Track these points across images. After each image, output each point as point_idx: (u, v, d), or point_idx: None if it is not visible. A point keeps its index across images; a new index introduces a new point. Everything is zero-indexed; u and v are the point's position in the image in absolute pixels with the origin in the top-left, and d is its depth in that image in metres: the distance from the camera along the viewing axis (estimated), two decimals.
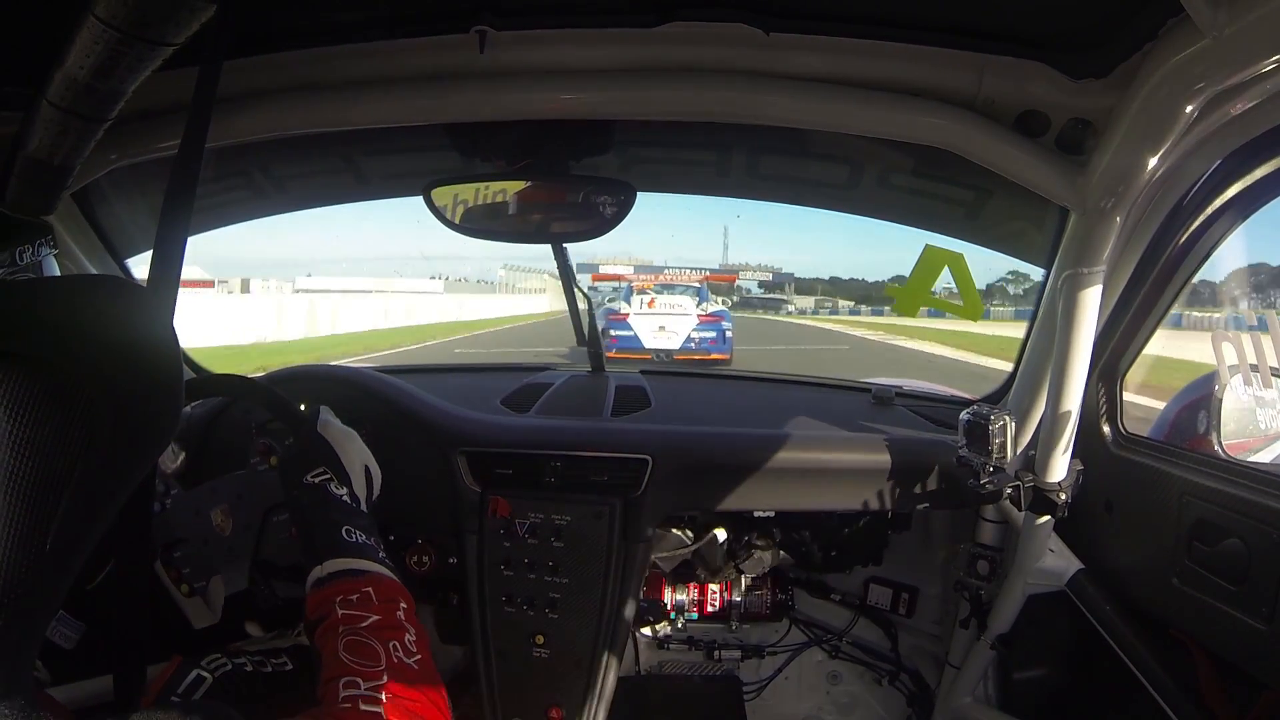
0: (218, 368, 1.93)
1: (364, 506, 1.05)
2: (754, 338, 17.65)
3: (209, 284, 18.78)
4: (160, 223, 0.82)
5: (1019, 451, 1.35)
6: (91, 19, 0.69)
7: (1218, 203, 1.09)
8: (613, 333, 11.48)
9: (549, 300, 31.24)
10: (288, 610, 1.21)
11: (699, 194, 1.78)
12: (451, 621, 1.66)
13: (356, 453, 1.11)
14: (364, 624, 0.83)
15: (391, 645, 0.81)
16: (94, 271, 1.47)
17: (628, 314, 12.40)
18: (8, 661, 0.49)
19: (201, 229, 1.69)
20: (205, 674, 1.05)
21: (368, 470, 1.13)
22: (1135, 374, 1.31)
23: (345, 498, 1.02)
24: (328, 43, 1.12)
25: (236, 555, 1.16)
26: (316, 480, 1.02)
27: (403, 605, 0.89)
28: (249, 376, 1.17)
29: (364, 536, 0.95)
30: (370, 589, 0.88)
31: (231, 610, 1.18)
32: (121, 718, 0.56)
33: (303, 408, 1.19)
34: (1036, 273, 1.40)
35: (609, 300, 13.95)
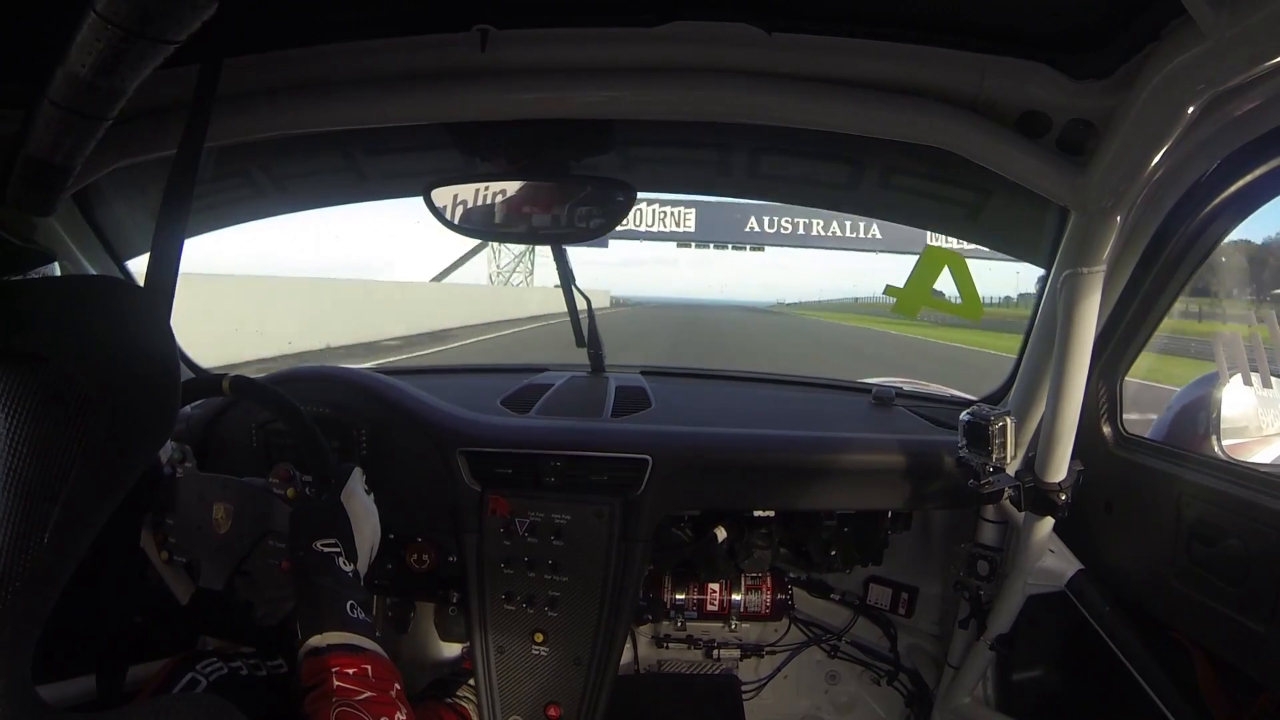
0: None
1: (361, 582, 1.07)
2: None
3: None
4: (158, 223, 0.83)
5: (1019, 452, 1.35)
6: (93, 16, 0.68)
7: (1217, 203, 1.09)
8: None
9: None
10: (252, 630, 1.21)
11: (700, 194, 1.79)
12: (451, 619, 1.66)
13: (370, 532, 1.13)
14: (358, 698, 0.85)
15: None
16: (93, 272, 1.47)
17: None
18: (5, 653, 0.49)
19: (201, 230, 1.69)
20: (200, 677, 1.06)
21: (371, 549, 1.14)
22: None
23: (351, 574, 1.03)
24: (328, 41, 1.11)
25: (222, 556, 1.16)
26: (325, 549, 1.03)
27: (396, 686, 0.91)
28: (293, 403, 1.16)
29: (364, 614, 0.98)
30: (369, 666, 0.90)
31: (198, 605, 1.18)
32: (120, 711, 0.56)
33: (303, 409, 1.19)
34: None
35: None
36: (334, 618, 0.94)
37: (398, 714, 0.87)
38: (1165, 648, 1.17)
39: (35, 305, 0.55)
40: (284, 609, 1.21)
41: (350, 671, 0.88)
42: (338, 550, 1.03)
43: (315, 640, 0.92)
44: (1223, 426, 1.25)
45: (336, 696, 0.85)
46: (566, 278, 1.77)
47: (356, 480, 1.13)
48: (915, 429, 1.61)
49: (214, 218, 1.72)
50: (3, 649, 0.49)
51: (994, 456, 1.29)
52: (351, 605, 0.97)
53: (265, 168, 1.60)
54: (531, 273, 39.17)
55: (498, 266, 37.86)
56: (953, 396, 1.91)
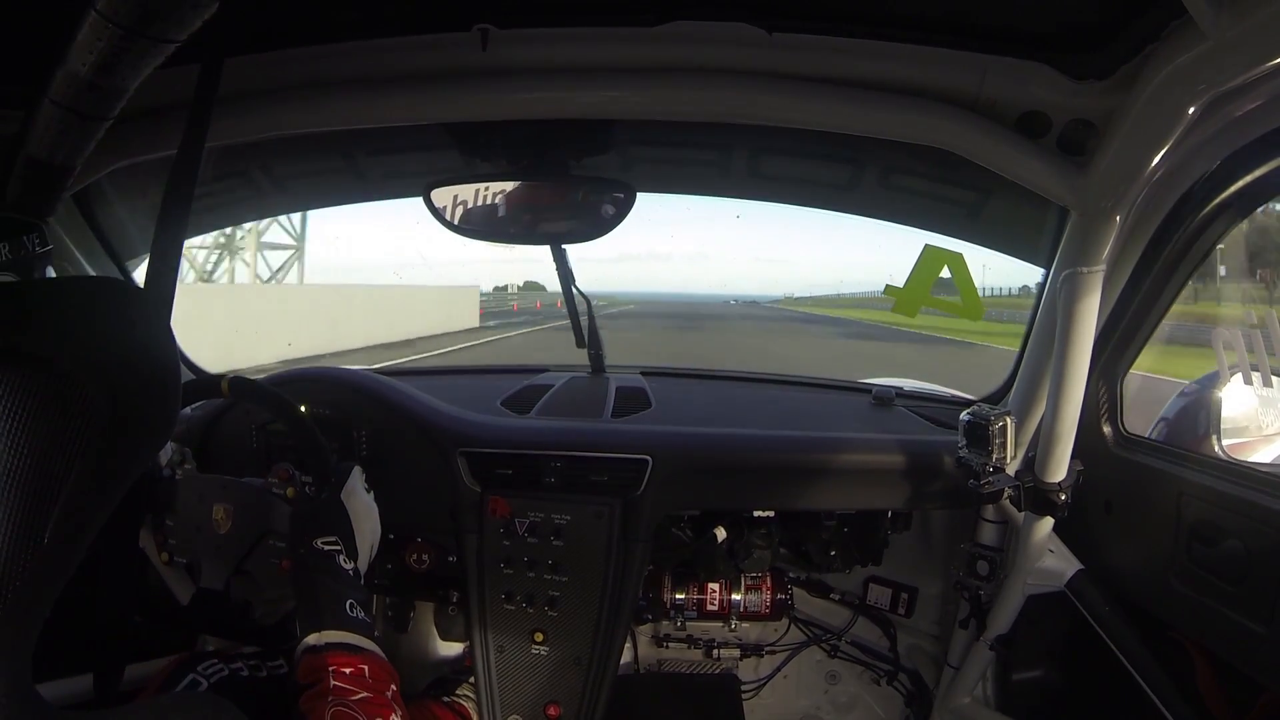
0: None
1: (361, 580, 1.07)
2: None
3: None
4: (158, 223, 0.83)
5: (1019, 452, 1.35)
6: (94, 15, 0.69)
7: (1217, 203, 1.09)
8: None
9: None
10: (252, 630, 1.21)
11: (700, 194, 1.78)
12: (451, 619, 1.66)
13: (370, 531, 1.13)
14: (354, 698, 0.86)
15: None
16: (93, 273, 1.47)
17: None
18: (5, 653, 0.50)
19: (202, 229, 1.70)
20: (200, 678, 1.06)
21: (372, 547, 1.14)
22: None
23: (351, 572, 1.04)
24: (329, 41, 1.12)
25: (222, 556, 1.16)
26: (326, 548, 1.03)
27: (392, 687, 0.91)
28: (293, 403, 1.17)
29: (363, 613, 0.98)
30: (366, 667, 0.90)
31: (199, 607, 1.18)
32: (120, 710, 0.56)
33: (303, 409, 1.19)
34: None
35: None
36: (333, 616, 0.95)
37: (393, 715, 0.87)
38: (1165, 648, 1.17)
39: (36, 306, 0.55)
40: (284, 609, 1.21)
41: (347, 671, 0.88)
42: (338, 548, 1.03)
43: (313, 638, 0.92)
44: (1223, 426, 1.25)
45: (332, 696, 0.85)
46: (566, 278, 1.77)
47: (356, 478, 1.13)
48: (915, 429, 1.61)
49: (214, 218, 1.72)
50: (3, 649, 0.49)
51: (994, 456, 1.29)
52: (351, 604, 0.97)
53: (265, 168, 1.61)
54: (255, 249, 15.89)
55: None
56: (953, 396, 1.91)
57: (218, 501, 1.16)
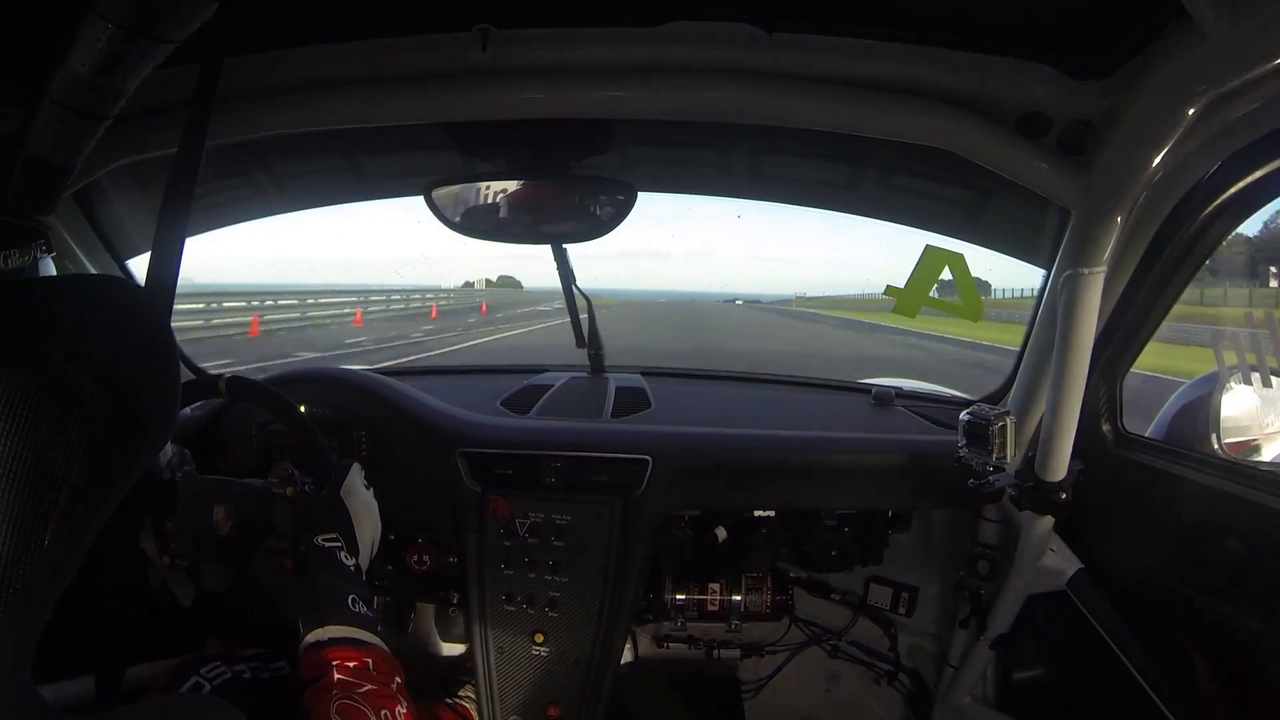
0: None
1: (363, 576, 1.08)
2: None
3: None
4: (159, 221, 0.83)
5: (1019, 451, 1.35)
6: (93, 16, 0.69)
7: (1218, 203, 1.09)
8: None
9: None
10: (255, 631, 1.21)
11: (700, 194, 1.78)
12: (451, 620, 1.66)
13: (370, 527, 1.13)
14: (359, 690, 0.86)
15: (383, 713, 0.85)
16: (93, 271, 1.47)
17: None
18: (6, 656, 0.49)
19: (201, 229, 1.70)
20: (203, 681, 1.06)
21: (373, 543, 1.15)
22: None
23: (352, 568, 1.04)
24: (329, 40, 1.12)
25: (223, 557, 1.16)
26: (327, 545, 1.03)
27: (397, 679, 0.92)
28: (291, 402, 1.17)
29: (365, 608, 0.98)
30: (369, 660, 0.91)
31: (201, 609, 1.17)
32: (121, 711, 0.56)
33: (303, 409, 1.19)
34: None
35: None
36: (335, 611, 0.95)
37: (398, 707, 0.87)
38: (1165, 647, 1.17)
39: (36, 305, 0.55)
40: (287, 608, 1.21)
41: (351, 665, 0.89)
42: (339, 545, 1.04)
43: (316, 634, 0.92)
44: (1223, 426, 1.25)
45: (337, 689, 0.85)
46: (567, 278, 1.77)
47: (355, 475, 1.14)
48: (915, 429, 1.61)
49: (214, 217, 1.72)
50: (3, 651, 0.49)
51: (994, 456, 1.29)
52: (353, 599, 0.97)
53: (265, 167, 1.61)
54: None
55: None
56: (953, 396, 1.91)
57: (218, 502, 1.16)
